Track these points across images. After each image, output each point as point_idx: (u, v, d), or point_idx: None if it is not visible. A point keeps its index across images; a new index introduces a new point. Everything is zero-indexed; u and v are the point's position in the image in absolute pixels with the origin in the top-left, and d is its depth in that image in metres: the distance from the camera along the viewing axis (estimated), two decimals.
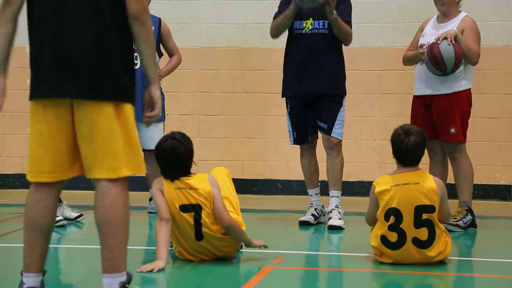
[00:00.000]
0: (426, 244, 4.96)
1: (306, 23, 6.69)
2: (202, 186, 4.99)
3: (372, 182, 5.21)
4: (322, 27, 6.68)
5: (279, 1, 6.98)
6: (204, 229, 4.96)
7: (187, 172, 5.05)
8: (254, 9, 9.01)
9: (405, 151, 5.06)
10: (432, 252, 4.98)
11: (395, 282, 4.99)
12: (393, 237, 4.96)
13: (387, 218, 4.96)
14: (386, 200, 4.97)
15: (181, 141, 5.05)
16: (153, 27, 7.27)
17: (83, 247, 6.19)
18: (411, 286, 4.89)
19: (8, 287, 4.60)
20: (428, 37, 6.62)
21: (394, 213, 4.95)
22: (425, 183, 5.02)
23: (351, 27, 6.75)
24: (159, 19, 7.47)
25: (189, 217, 4.95)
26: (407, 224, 4.94)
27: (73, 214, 6.99)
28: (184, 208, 4.96)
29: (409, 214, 4.93)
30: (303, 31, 6.72)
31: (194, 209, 4.95)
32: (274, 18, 6.87)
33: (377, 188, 5.04)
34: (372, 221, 5.16)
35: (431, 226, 4.96)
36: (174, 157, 5.01)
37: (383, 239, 4.99)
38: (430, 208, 4.96)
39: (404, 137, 5.06)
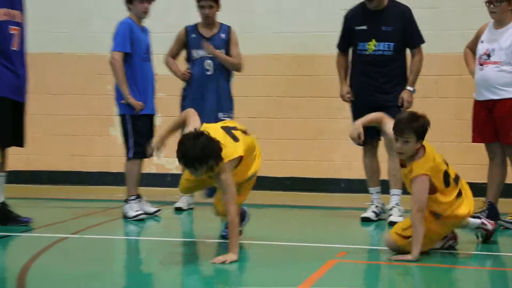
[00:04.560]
0: None
1: (369, 44, 6.70)
2: None
3: None
4: (387, 49, 6.71)
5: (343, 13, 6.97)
6: None
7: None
8: (315, 19, 9.00)
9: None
10: None
11: (459, 276, 4.92)
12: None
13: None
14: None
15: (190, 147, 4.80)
16: (223, 35, 7.37)
17: (160, 239, 6.25)
18: (471, 282, 4.80)
19: (96, 275, 4.64)
20: (486, 44, 6.50)
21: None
22: None
23: (423, 41, 6.81)
24: (229, 27, 7.49)
25: None
26: None
27: (152, 209, 7.06)
28: None
29: None
30: (367, 52, 6.71)
31: None
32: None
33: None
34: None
35: None
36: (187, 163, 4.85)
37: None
38: None
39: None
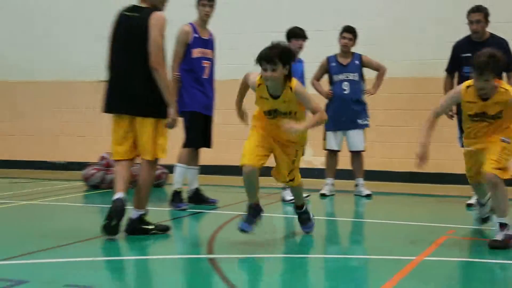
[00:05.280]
0: None
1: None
2: None
3: None
4: None
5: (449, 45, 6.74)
6: None
7: None
8: (430, 47, 8.75)
9: None
10: None
11: None
12: None
13: None
14: None
15: None
16: (357, 61, 7.35)
17: None
18: None
19: (261, 242, 4.71)
20: None
21: None
22: None
23: None
24: (360, 54, 7.48)
25: None
26: None
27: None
28: None
29: None
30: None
31: None
32: None
33: None
34: None
35: None
36: None
37: None
38: None
39: None
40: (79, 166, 9.07)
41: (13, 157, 10.67)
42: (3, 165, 10.61)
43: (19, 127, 10.71)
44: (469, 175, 5.05)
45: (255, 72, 4.56)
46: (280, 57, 4.28)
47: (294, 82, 4.42)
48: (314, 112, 4.47)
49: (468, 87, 4.63)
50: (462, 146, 6.62)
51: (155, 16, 4.66)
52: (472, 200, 6.50)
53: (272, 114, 4.50)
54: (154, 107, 4.68)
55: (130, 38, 4.70)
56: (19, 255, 4.14)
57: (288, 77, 4.37)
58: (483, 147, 4.68)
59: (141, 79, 4.63)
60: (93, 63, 10.10)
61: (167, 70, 4.73)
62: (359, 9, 9.11)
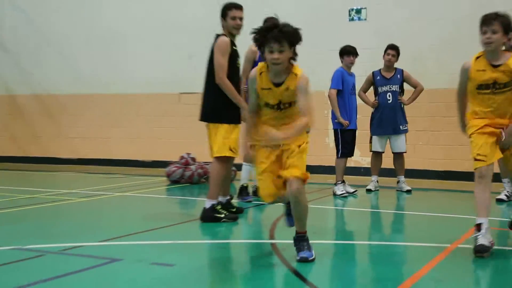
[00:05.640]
0: None
1: None
2: None
3: None
4: None
5: None
6: None
7: None
8: (465, 60, 8.47)
9: None
10: None
11: None
12: None
13: None
14: None
15: None
16: (398, 75, 7.22)
17: (356, 209, 6.19)
18: None
19: (314, 229, 4.70)
20: None
21: None
22: None
23: None
24: (402, 70, 7.34)
25: None
26: None
27: (351, 190, 7.04)
28: None
29: None
30: None
31: None
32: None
33: None
34: None
35: None
36: None
37: None
38: None
39: None
40: (163, 164, 9.29)
41: (110, 156, 11.05)
42: (102, 163, 11.01)
43: (114, 132, 11.07)
44: (480, 155, 4.03)
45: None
46: (288, 37, 3.43)
47: (300, 70, 3.57)
48: (302, 110, 3.52)
49: (477, 57, 4.04)
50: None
51: (218, 41, 4.97)
52: (502, 196, 6.27)
53: (276, 107, 3.58)
54: (215, 114, 4.95)
55: (208, 59, 5.08)
56: (115, 237, 4.29)
57: (292, 61, 3.52)
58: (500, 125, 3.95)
59: (207, 91, 5.01)
60: (175, 78, 10.37)
61: (227, 82, 4.92)
62: (401, 29, 8.94)
